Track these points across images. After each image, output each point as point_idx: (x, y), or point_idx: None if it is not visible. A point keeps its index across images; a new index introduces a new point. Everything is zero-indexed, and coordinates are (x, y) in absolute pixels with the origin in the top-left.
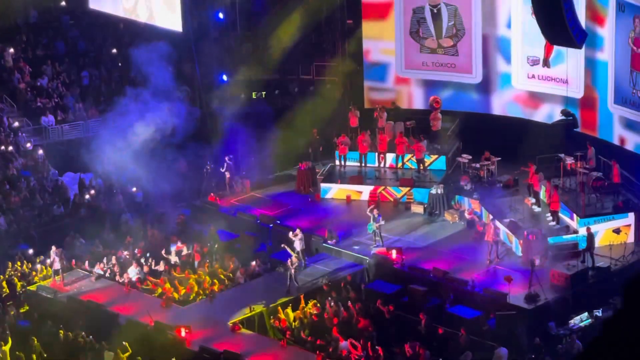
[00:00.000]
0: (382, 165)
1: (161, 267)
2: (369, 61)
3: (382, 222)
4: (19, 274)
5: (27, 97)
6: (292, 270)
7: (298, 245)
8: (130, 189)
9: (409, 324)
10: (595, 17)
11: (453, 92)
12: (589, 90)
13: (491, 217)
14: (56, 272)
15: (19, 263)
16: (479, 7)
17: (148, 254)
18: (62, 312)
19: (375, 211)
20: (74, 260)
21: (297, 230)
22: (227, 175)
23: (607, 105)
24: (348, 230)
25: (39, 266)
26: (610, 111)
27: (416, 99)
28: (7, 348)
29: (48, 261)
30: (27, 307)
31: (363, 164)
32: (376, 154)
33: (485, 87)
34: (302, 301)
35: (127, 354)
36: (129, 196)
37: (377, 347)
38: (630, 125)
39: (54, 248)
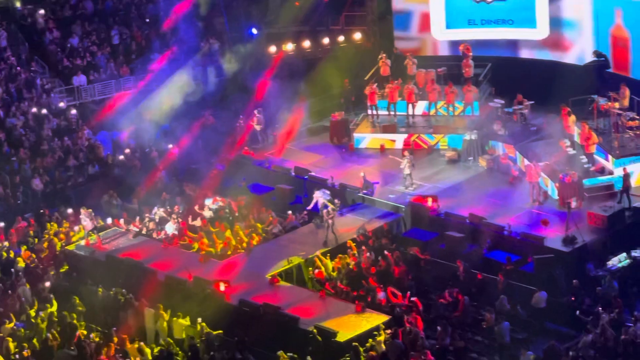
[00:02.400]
0: (411, 113)
1: (198, 222)
2: (394, 10)
3: (404, 164)
4: (61, 235)
5: (57, 58)
6: (330, 221)
7: (320, 198)
8: (166, 146)
9: (447, 270)
10: None
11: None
12: (620, 30)
13: (531, 160)
14: (89, 233)
15: (56, 225)
16: None
17: (181, 210)
18: (101, 270)
19: (406, 152)
20: (110, 219)
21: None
22: (258, 127)
23: None
24: (383, 179)
25: (76, 227)
26: None
27: (441, 46)
28: (54, 309)
29: (83, 223)
30: (67, 267)
31: (393, 112)
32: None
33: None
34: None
35: (169, 312)
36: (164, 153)
37: (412, 299)
38: None
39: (83, 210)
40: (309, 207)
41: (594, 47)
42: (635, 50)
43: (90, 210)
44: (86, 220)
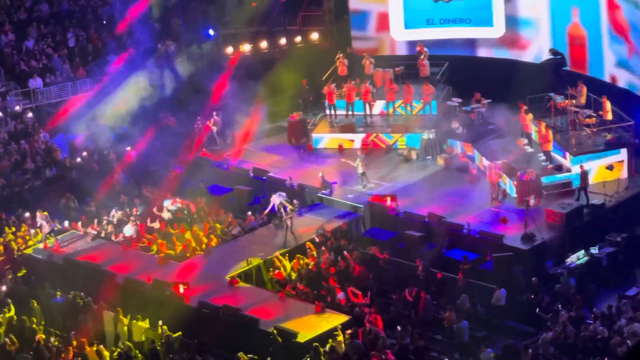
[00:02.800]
0: (369, 112)
1: (157, 224)
2: (351, 10)
3: (357, 164)
4: (18, 239)
5: (13, 61)
6: (288, 222)
7: (277, 199)
8: (124, 149)
9: (406, 270)
10: None
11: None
12: (577, 28)
13: (489, 159)
14: (47, 236)
15: (14, 228)
16: None
17: (140, 212)
18: (59, 273)
19: (359, 152)
20: (67, 222)
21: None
22: (215, 129)
23: (598, 43)
24: (342, 179)
25: (32, 230)
26: (605, 53)
27: (399, 46)
28: (12, 314)
29: (39, 226)
30: (24, 271)
31: (350, 112)
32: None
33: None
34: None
35: (128, 315)
36: (121, 155)
37: (371, 309)
38: (621, 63)
39: (38, 213)
40: (267, 211)
41: (551, 45)
42: (592, 48)
43: (46, 212)
44: (42, 223)
